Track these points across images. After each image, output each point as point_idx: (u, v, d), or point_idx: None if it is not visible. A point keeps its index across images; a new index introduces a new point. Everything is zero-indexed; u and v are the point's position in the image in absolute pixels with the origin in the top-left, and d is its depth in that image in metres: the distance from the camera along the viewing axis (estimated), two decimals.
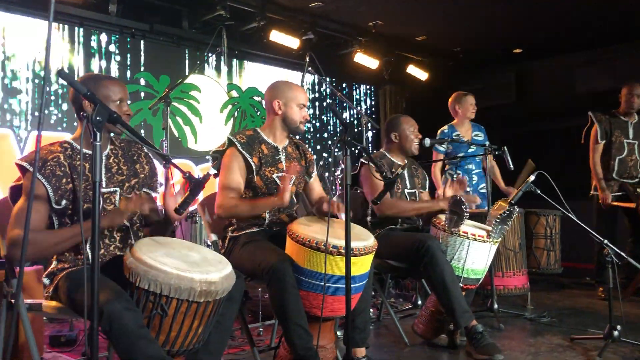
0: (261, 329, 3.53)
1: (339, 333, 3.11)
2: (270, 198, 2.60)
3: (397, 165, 3.53)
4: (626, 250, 4.37)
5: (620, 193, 4.58)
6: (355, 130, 7.09)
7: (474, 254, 3.09)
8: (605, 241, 3.08)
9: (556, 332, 3.53)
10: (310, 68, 4.32)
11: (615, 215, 4.63)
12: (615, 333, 3.02)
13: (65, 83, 4.88)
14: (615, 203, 4.51)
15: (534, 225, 4.64)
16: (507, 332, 3.58)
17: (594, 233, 3.22)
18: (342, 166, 5.11)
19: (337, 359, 2.63)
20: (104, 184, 2.17)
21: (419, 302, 4.33)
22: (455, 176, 4.72)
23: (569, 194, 3.37)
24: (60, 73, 1.49)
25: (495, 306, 3.85)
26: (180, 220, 3.74)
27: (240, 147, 2.69)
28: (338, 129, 7.21)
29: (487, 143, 4.09)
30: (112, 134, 2.24)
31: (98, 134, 1.48)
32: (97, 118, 1.49)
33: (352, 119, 7.46)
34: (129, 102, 2.24)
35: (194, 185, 1.92)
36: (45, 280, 2.16)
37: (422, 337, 3.32)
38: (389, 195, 3.22)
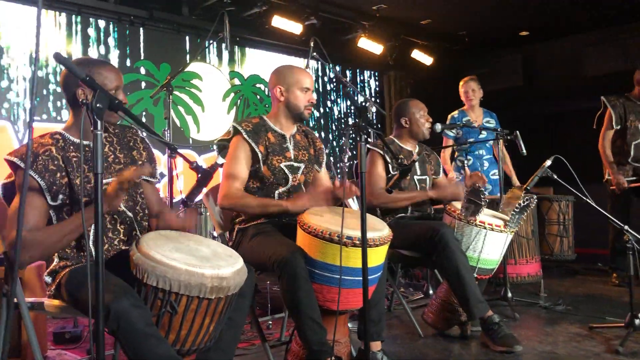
0: (270, 323, 3.45)
1: (350, 325, 3.02)
2: (282, 202, 2.54)
3: (406, 151, 3.43)
4: None
5: (634, 177, 4.47)
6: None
7: (490, 244, 2.98)
8: (626, 227, 2.98)
9: (573, 320, 3.44)
10: (315, 53, 4.19)
11: (629, 200, 4.52)
12: (637, 322, 2.93)
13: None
14: (632, 185, 4.39)
15: (546, 211, 4.54)
16: (522, 321, 3.49)
17: (613, 218, 3.12)
18: (349, 154, 4.99)
19: (352, 354, 2.54)
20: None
21: (430, 292, 4.23)
22: (465, 162, 4.64)
23: (580, 179, 3.27)
24: (57, 56, 1.38)
25: (509, 295, 3.77)
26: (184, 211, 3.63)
27: (246, 135, 2.58)
28: (342, 116, 7.10)
29: (499, 128, 3.98)
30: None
31: (99, 122, 1.37)
32: (98, 105, 1.38)
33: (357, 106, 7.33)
34: (128, 93, 2.12)
35: (201, 175, 1.82)
36: (47, 279, 2.06)
37: (432, 327, 3.23)
38: (376, 185, 3.17)
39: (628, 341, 2.85)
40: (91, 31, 4.99)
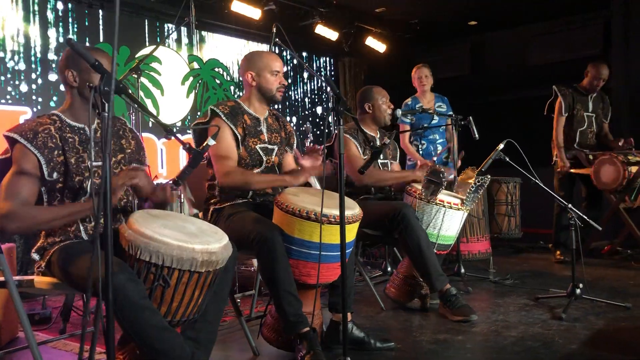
0: (239, 301, 3.55)
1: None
2: (285, 177, 2.66)
3: (369, 135, 3.59)
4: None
5: (573, 161, 4.80)
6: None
7: (448, 221, 3.21)
8: (570, 205, 3.26)
9: (520, 292, 3.73)
10: (277, 39, 4.28)
11: (574, 183, 4.87)
12: (578, 291, 3.23)
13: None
14: (573, 170, 4.73)
15: (495, 192, 4.84)
16: (474, 294, 3.75)
17: (559, 198, 3.40)
18: (311, 137, 5.12)
19: (323, 324, 2.71)
20: (93, 158, 2.15)
21: (389, 269, 4.45)
22: (420, 147, 4.85)
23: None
24: (69, 42, 1.46)
25: (462, 270, 4.02)
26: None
27: (224, 118, 2.68)
28: (301, 101, 7.22)
29: (451, 114, 4.20)
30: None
31: (106, 105, 1.46)
32: (105, 88, 1.47)
33: (317, 91, 7.48)
34: None
35: (193, 156, 1.92)
36: (35, 256, 2.11)
37: (394, 301, 3.44)
38: (358, 165, 3.32)
39: (570, 308, 3.14)
40: (49, 13, 4.89)
